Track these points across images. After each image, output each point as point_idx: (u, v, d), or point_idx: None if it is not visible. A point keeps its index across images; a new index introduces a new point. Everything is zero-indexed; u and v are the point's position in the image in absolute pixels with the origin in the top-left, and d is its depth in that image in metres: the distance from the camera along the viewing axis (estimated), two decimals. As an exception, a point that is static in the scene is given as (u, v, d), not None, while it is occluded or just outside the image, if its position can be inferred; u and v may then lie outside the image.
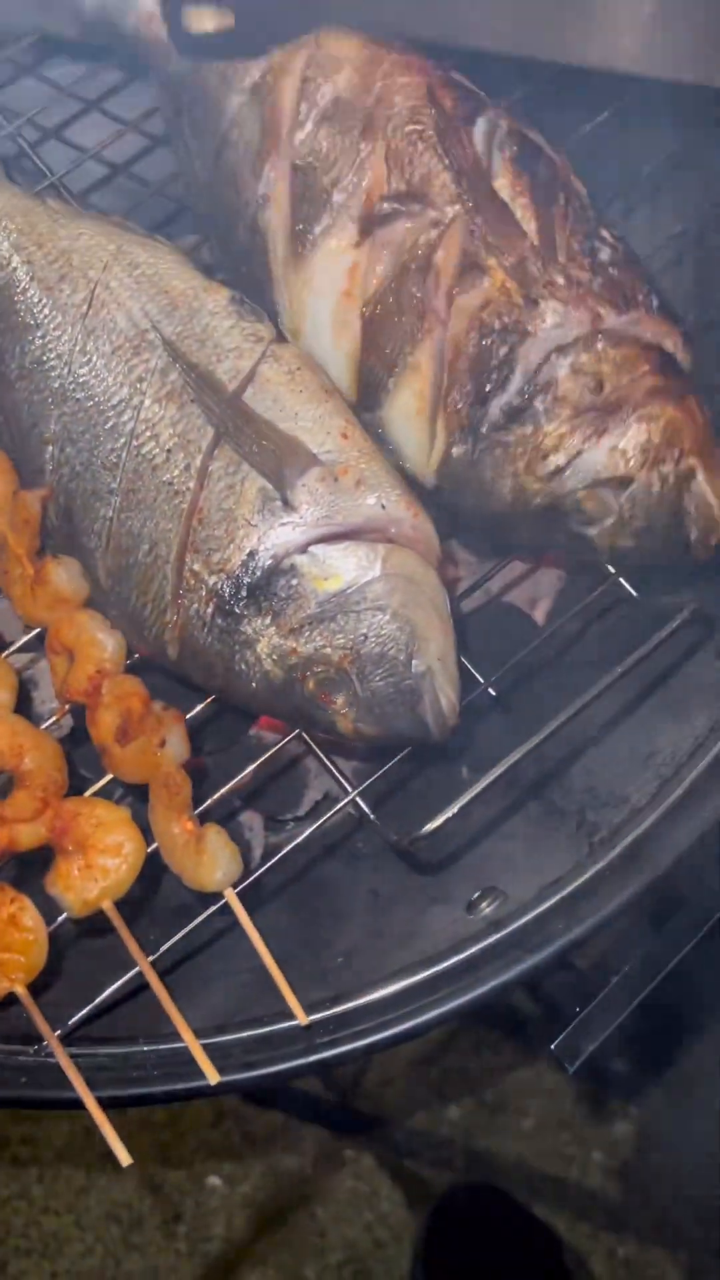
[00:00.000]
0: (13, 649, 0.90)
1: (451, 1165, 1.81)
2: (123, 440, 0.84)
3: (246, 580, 0.82)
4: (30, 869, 0.86)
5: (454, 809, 0.78)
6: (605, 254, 0.89)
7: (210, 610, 0.83)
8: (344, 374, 0.91)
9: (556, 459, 0.86)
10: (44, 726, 0.87)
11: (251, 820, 1.10)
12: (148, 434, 0.84)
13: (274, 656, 0.82)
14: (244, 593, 0.82)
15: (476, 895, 0.87)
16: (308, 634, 0.81)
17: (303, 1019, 0.79)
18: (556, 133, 0.98)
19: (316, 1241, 1.78)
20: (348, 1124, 1.83)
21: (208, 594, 0.82)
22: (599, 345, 0.86)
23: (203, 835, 0.79)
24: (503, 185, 0.89)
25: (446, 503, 0.92)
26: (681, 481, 0.85)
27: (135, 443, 0.84)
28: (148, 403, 0.85)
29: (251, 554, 0.82)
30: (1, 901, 0.79)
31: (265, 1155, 1.81)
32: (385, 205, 0.89)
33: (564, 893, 0.84)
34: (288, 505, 0.82)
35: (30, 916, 0.79)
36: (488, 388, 0.86)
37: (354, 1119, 1.83)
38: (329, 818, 0.86)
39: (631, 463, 0.85)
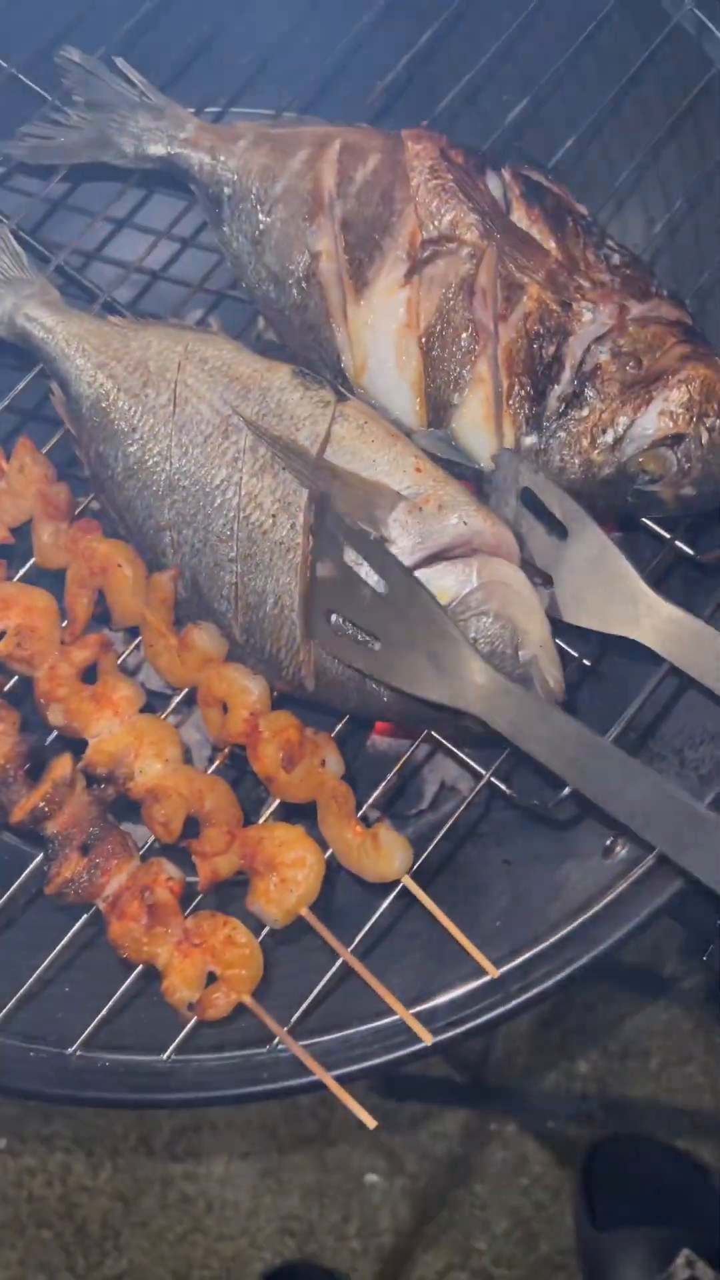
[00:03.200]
0: (169, 710, 1.00)
1: (591, 1117, 1.89)
2: (231, 514, 0.96)
3: (363, 611, 0.93)
4: (222, 897, 0.97)
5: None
6: (615, 259, 1.03)
7: (337, 643, 0.94)
8: (411, 399, 1.03)
9: (614, 431, 0.99)
10: (210, 770, 0.98)
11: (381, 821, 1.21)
12: (252, 504, 0.95)
13: (400, 671, 0.93)
14: (362, 622, 0.93)
15: (610, 841, 0.97)
16: (425, 647, 0.93)
17: (493, 972, 0.89)
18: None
19: (480, 1215, 1.86)
20: (485, 1099, 1.91)
21: (332, 629, 0.94)
22: (630, 329, 1.00)
23: (375, 834, 0.90)
24: (519, 217, 1.03)
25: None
26: None
27: (243, 514, 0.95)
28: (246, 478, 0.96)
29: (363, 588, 0.93)
30: (216, 926, 0.89)
31: (414, 1144, 1.88)
32: (426, 249, 1.02)
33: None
34: (385, 540, 0.94)
35: (242, 934, 0.89)
36: (543, 384, 0.99)
37: (490, 1093, 1.91)
38: (469, 799, 0.96)
39: (680, 420, 0.98)
